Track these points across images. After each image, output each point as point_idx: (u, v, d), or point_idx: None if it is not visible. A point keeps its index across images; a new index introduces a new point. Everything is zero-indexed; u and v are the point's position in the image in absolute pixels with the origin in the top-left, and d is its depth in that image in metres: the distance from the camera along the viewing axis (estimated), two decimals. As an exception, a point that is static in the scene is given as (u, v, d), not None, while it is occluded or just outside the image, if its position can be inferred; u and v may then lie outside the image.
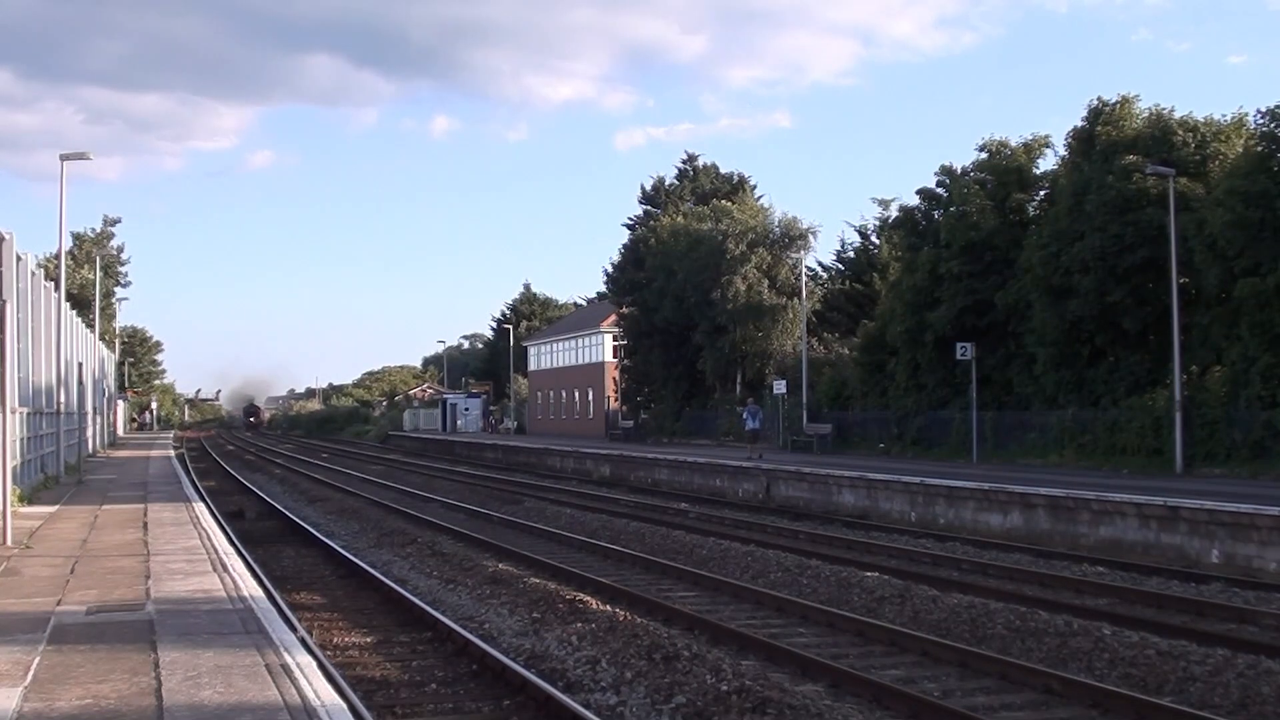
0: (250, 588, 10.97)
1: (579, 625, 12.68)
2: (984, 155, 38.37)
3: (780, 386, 43.54)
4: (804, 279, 50.04)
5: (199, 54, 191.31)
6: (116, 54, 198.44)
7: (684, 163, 68.24)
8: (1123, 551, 19.37)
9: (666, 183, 67.82)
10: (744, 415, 38.00)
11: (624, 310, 61.33)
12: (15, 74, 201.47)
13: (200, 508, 20.06)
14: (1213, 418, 28.42)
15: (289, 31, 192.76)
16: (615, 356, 66.69)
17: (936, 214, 39.63)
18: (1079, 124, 34.97)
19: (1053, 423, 33.46)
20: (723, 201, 58.21)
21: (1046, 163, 37.89)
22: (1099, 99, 34.56)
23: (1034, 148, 37.91)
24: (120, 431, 68.57)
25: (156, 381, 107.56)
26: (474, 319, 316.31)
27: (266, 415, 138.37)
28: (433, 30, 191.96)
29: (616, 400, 65.68)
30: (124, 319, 79.57)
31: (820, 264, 58.31)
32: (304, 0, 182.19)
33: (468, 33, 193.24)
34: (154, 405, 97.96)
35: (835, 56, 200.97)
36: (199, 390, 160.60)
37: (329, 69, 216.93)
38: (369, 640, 12.35)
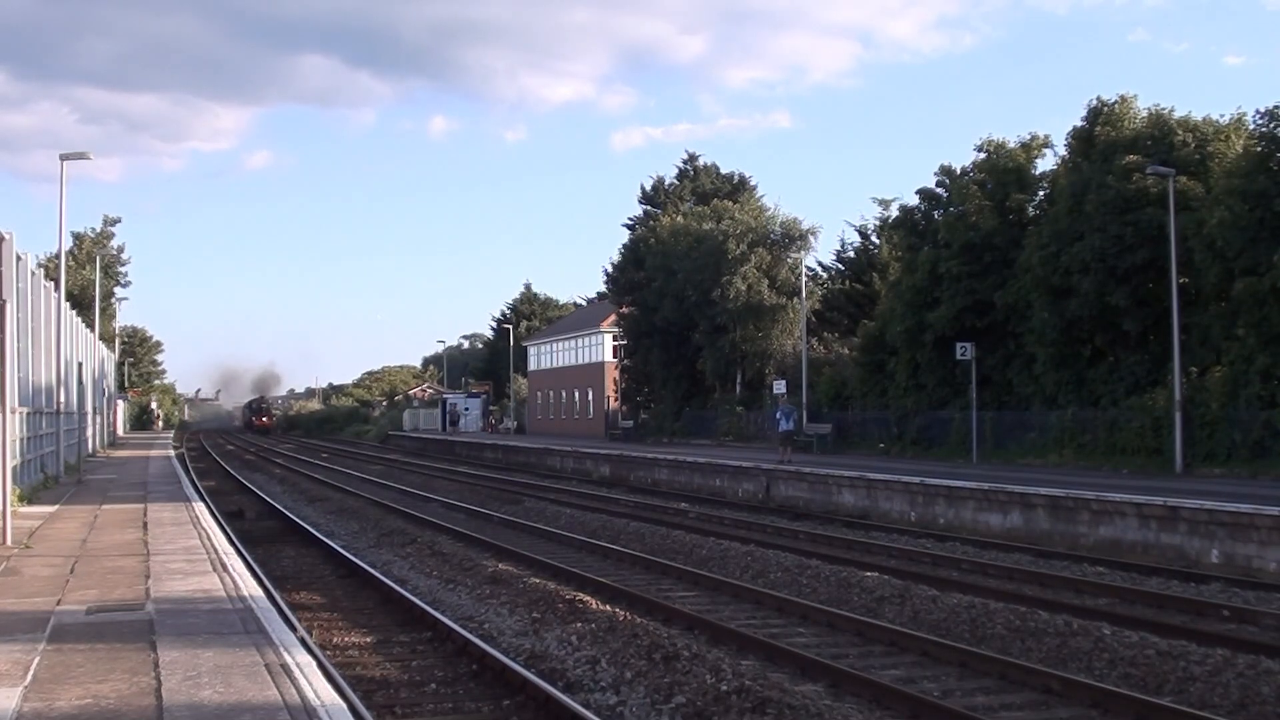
0: (250, 587, 10.96)
1: (579, 625, 12.67)
2: (983, 155, 38.41)
3: (780, 386, 43.52)
4: (804, 279, 50.05)
5: (191, 54, 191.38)
6: (109, 54, 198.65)
7: (684, 162, 68.32)
8: (1122, 551, 19.36)
9: (666, 183, 67.83)
10: (777, 416, 36.23)
11: (624, 310, 61.31)
12: (9, 74, 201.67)
13: (200, 507, 20.05)
14: (1212, 418, 28.41)
15: (280, 31, 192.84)
16: (615, 356, 66.68)
17: (936, 214, 39.65)
18: (1078, 124, 35.04)
19: (1052, 423, 33.45)
20: (724, 201, 58.23)
21: (1046, 163, 37.99)
22: (1098, 99, 34.68)
23: (1033, 148, 37.93)
24: (120, 431, 68.51)
25: (156, 381, 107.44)
26: (474, 319, 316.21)
27: (275, 413, 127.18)
28: (425, 30, 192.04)
29: (616, 400, 65.67)
30: (124, 319, 79.54)
31: (820, 264, 58.32)
32: (293, 0, 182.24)
33: (462, 32, 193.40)
34: (154, 405, 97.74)
35: (835, 57, 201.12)
36: (199, 390, 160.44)
37: (323, 69, 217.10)
38: (369, 640, 12.35)
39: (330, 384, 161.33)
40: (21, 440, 20.99)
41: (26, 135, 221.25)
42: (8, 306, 14.07)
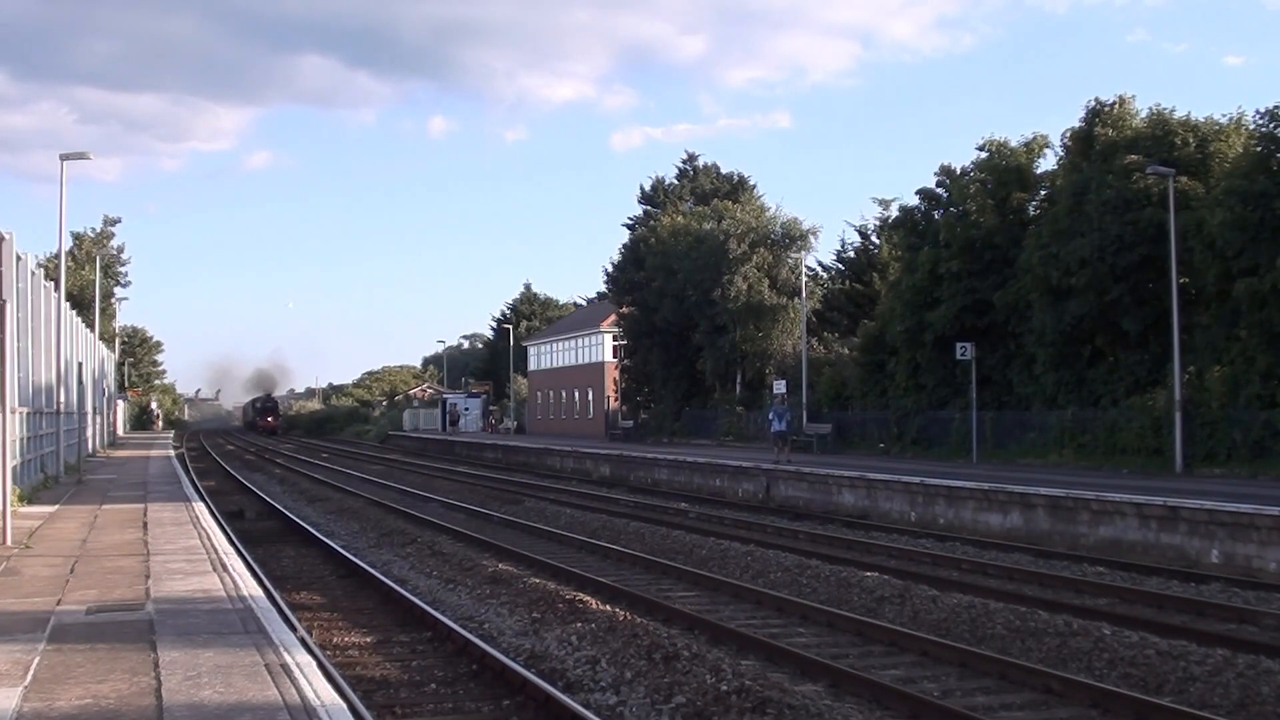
0: (250, 587, 10.96)
1: (579, 625, 12.67)
2: (984, 155, 38.41)
3: (780, 386, 43.48)
4: (804, 279, 50.04)
5: (190, 54, 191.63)
6: (109, 54, 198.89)
7: (684, 162, 68.36)
8: (1122, 551, 19.36)
9: (666, 183, 67.84)
10: (770, 416, 35.78)
11: (624, 310, 61.31)
12: (9, 74, 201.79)
13: (200, 507, 20.05)
14: (1212, 418, 28.41)
15: (278, 32, 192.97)
16: (615, 356, 66.68)
17: (936, 214, 39.66)
18: (1077, 125, 35.02)
19: (1052, 423, 33.45)
20: (724, 201, 58.22)
21: (1046, 163, 38.00)
22: (1096, 99, 34.68)
23: (1034, 148, 37.93)
24: (120, 431, 68.50)
25: (156, 381, 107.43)
26: (474, 319, 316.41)
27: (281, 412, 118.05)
28: (425, 30, 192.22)
29: (616, 400, 65.67)
30: (124, 319, 79.55)
31: (820, 264, 58.41)
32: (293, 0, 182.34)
33: (461, 32, 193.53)
34: (154, 405, 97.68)
35: (835, 57, 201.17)
36: (199, 390, 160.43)
37: (322, 70, 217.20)
38: (369, 640, 12.35)
39: (330, 384, 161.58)
40: (21, 440, 20.99)
41: (26, 135, 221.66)
42: (8, 306, 14.07)
